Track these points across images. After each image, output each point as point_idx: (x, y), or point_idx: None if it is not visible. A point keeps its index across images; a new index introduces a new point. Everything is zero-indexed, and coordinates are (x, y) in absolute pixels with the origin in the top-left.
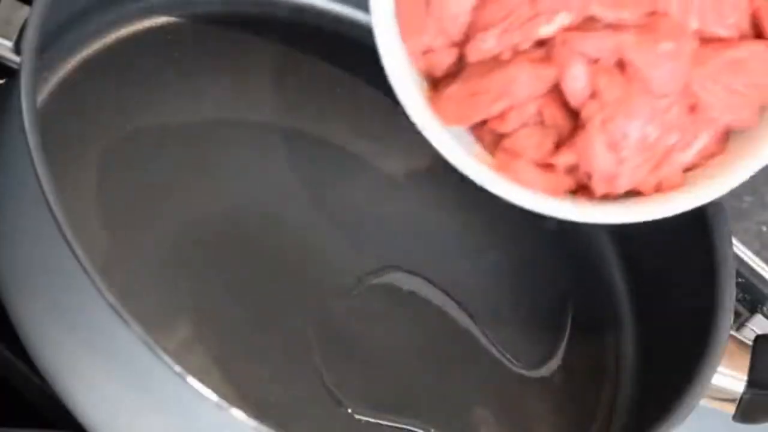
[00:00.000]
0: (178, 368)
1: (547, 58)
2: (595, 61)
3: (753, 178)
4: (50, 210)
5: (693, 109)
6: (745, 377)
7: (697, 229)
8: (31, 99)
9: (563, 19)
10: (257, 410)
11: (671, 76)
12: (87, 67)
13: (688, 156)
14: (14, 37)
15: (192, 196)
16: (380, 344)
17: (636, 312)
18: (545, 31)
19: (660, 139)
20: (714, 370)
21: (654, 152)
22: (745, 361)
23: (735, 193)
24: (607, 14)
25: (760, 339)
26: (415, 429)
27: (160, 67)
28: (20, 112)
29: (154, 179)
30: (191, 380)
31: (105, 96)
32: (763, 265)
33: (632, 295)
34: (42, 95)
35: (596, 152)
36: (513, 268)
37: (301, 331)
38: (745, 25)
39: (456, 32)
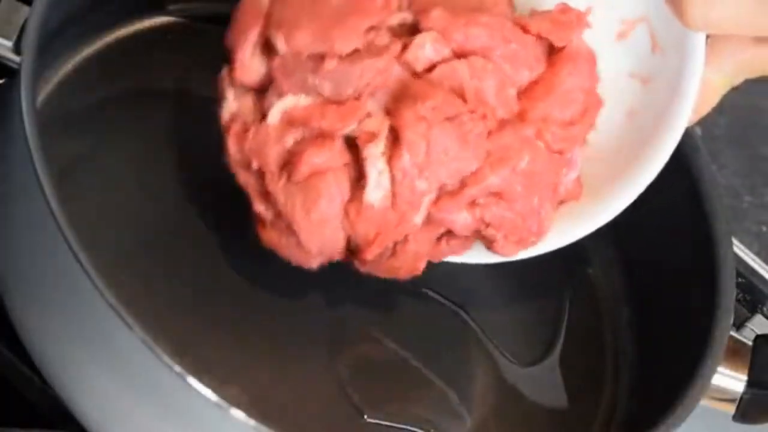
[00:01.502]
0: (178, 368)
1: None
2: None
3: (753, 179)
4: (50, 210)
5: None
6: (745, 377)
7: (697, 230)
8: (31, 99)
9: None
10: (257, 410)
11: (467, 226)
12: (87, 67)
13: (568, 185)
14: (14, 37)
15: (195, 196)
16: (386, 348)
17: (636, 312)
18: None
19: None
20: (714, 370)
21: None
22: (745, 361)
23: (735, 194)
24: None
25: (760, 339)
26: (419, 430)
27: (160, 66)
28: (20, 112)
29: (156, 179)
30: (191, 380)
31: (105, 96)
32: (764, 265)
33: (632, 295)
34: (42, 95)
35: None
36: (512, 268)
37: (303, 331)
38: (541, 67)
39: None
